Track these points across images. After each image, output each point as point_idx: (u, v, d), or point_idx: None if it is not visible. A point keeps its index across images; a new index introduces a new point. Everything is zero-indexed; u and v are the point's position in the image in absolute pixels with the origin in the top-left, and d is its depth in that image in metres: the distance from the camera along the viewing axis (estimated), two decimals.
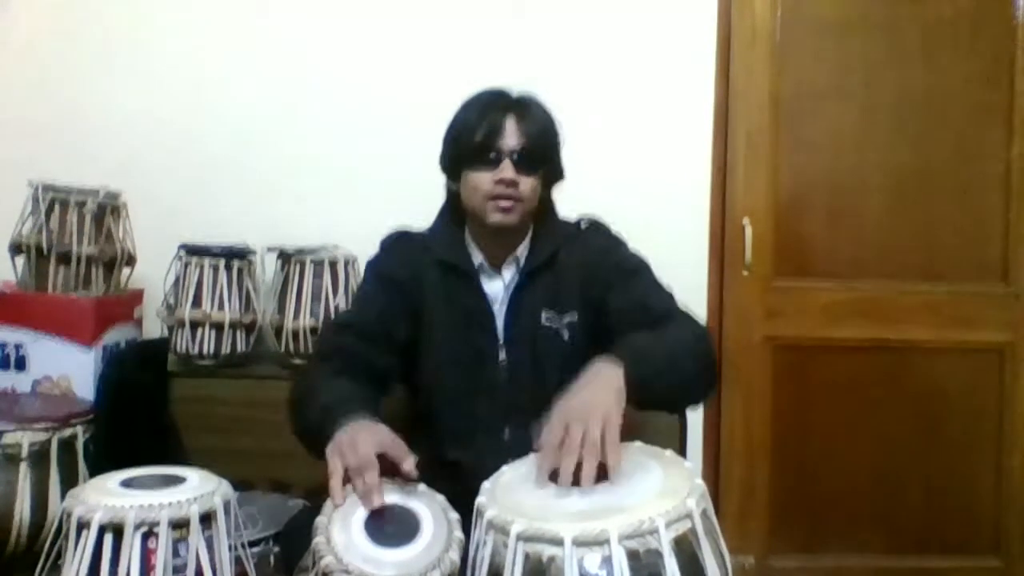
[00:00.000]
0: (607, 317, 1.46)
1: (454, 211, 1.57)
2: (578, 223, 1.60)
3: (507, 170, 1.43)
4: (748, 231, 2.39)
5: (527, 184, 1.45)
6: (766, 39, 2.42)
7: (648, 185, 2.37)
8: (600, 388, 1.17)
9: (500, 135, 1.44)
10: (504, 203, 1.44)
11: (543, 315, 1.50)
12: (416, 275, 1.52)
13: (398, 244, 1.59)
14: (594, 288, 1.49)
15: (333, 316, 2.02)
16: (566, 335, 1.49)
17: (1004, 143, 2.43)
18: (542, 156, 1.48)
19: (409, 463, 1.16)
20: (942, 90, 2.42)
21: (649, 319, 1.37)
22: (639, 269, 1.51)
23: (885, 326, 2.42)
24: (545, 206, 1.57)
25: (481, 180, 1.45)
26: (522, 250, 1.53)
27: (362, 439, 1.16)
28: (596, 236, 1.57)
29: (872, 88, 2.42)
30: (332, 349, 1.47)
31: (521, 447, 1.22)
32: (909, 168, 2.43)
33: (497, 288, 1.53)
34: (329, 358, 1.44)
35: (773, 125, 2.42)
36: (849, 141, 2.43)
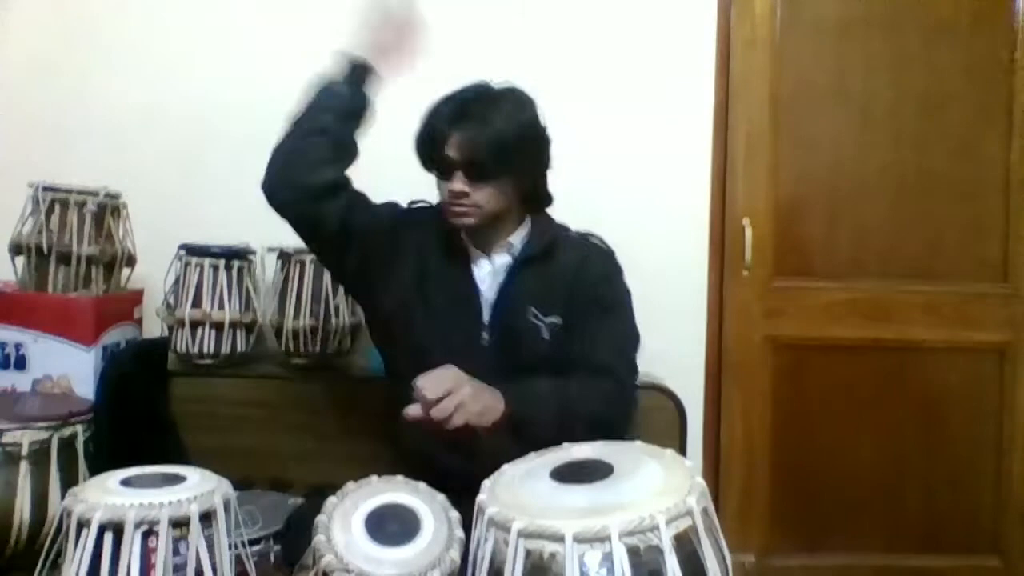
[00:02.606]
0: (571, 334, 1.51)
1: None
2: (584, 234, 1.63)
3: (457, 182, 1.46)
4: (748, 231, 2.39)
5: (481, 194, 1.47)
6: (766, 39, 2.42)
7: (648, 186, 2.37)
8: (487, 392, 1.34)
9: (446, 148, 1.46)
10: (458, 209, 1.48)
11: (530, 310, 1.52)
12: (419, 245, 1.58)
13: (415, 212, 1.65)
14: (577, 302, 1.52)
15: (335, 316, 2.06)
16: (547, 335, 1.52)
17: (1004, 143, 2.42)
18: (495, 166, 1.46)
19: None
20: (942, 90, 2.42)
21: (589, 363, 1.46)
22: (614, 309, 1.54)
23: (885, 326, 2.42)
24: (534, 195, 1.59)
25: (441, 188, 1.51)
26: (516, 237, 1.56)
27: None
28: (599, 256, 1.60)
29: (872, 88, 2.42)
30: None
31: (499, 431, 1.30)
32: (909, 168, 2.43)
33: (486, 270, 1.56)
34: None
35: (773, 125, 2.42)
36: (849, 141, 2.43)
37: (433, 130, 1.48)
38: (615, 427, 1.41)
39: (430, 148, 1.48)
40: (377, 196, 2.10)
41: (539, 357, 1.50)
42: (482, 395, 1.33)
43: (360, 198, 1.60)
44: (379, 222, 1.59)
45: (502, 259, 1.56)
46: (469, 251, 1.57)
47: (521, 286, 1.53)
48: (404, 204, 1.68)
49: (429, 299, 1.54)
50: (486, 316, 1.53)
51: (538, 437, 1.25)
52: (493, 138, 1.44)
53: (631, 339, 1.54)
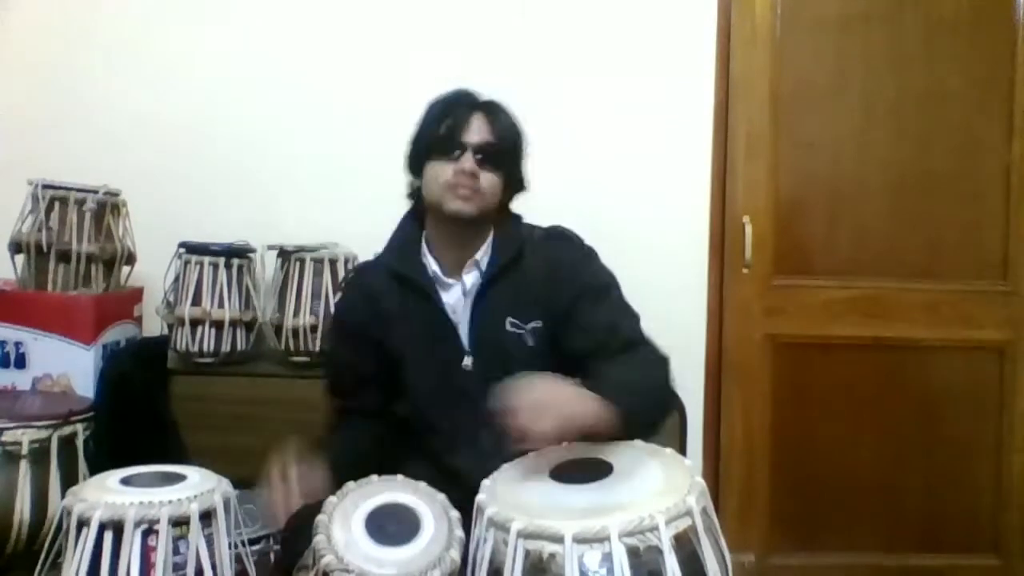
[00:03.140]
0: (571, 331, 1.47)
1: (414, 215, 1.59)
2: (546, 230, 1.60)
3: (468, 162, 1.45)
4: (748, 230, 2.39)
5: (488, 179, 1.47)
6: (766, 38, 2.42)
7: (648, 184, 2.37)
8: (578, 402, 1.20)
9: (466, 129, 1.47)
10: (463, 191, 1.46)
11: (507, 321, 1.50)
12: (376, 306, 1.55)
13: (356, 280, 1.67)
14: (559, 300, 1.48)
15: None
16: (531, 341, 1.49)
17: (1004, 143, 2.42)
18: (506, 156, 1.50)
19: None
20: (942, 90, 2.42)
21: (618, 343, 1.41)
22: (608, 287, 1.51)
23: (885, 324, 2.42)
24: (505, 214, 1.57)
25: (443, 170, 1.47)
26: (482, 255, 1.53)
27: None
28: (565, 246, 1.56)
29: (872, 88, 2.42)
30: (334, 421, 1.63)
31: (500, 448, 1.23)
32: (909, 167, 2.43)
33: (456, 296, 1.53)
34: (334, 429, 1.62)
35: (773, 125, 2.42)
36: (849, 141, 2.43)
37: (453, 110, 1.49)
38: (671, 388, 1.44)
39: (448, 130, 1.47)
40: (372, 194, 2.13)
41: (528, 366, 1.45)
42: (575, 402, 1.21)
43: (354, 373, 1.62)
44: (362, 340, 1.58)
45: (472, 278, 1.53)
46: (432, 279, 1.54)
47: (493, 300, 1.51)
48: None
49: (407, 343, 1.53)
50: (465, 340, 1.51)
51: (637, 424, 1.25)
52: (510, 129, 1.51)
53: (632, 311, 1.51)
